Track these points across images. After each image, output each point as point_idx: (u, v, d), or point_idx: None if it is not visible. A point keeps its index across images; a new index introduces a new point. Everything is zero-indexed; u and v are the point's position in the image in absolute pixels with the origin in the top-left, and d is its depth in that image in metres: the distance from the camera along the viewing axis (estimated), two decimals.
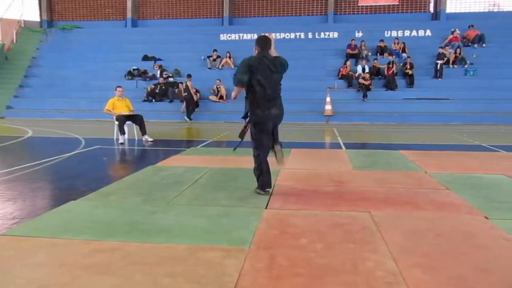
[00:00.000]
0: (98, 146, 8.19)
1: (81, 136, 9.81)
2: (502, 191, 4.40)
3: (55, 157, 6.71)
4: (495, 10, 20.25)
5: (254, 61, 3.96)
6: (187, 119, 14.94)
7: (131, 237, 2.97)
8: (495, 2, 20.29)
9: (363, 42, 17.90)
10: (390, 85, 15.53)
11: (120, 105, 9.13)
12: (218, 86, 16.12)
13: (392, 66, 15.79)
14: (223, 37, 20.35)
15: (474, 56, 16.92)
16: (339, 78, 16.62)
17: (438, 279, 2.32)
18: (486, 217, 3.47)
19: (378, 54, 17.64)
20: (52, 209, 3.70)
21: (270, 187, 4.28)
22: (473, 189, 4.42)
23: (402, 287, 2.23)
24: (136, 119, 9.13)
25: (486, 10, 20.23)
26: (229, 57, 18.07)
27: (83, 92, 17.53)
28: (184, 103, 15.27)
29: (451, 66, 16.57)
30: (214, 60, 18.19)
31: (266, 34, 4.23)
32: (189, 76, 15.44)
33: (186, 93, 15.09)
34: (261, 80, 3.94)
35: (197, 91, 15.84)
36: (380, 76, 16.22)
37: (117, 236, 3.00)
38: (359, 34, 19.11)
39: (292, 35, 19.78)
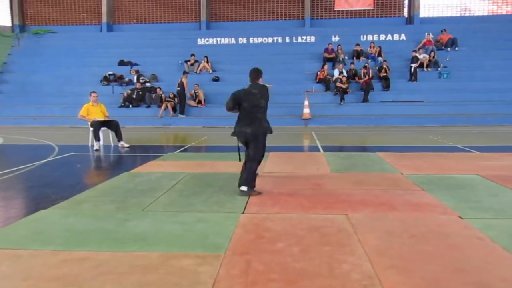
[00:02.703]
0: (72, 153, 7.97)
1: (55, 143, 9.54)
2: (475, 190, 4.48)
3: (26, 165, 6.49)
4: (467, 14, 20.79)
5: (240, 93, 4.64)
6: (181, 115, 15.39)
7: (103, 246, 2.87)
8: (466, 7, 20.86)
9: (339, 46, 18.09)
10: (364, 97, 15.55)
11: (94, 111, 8.93)
12: (196, 91, 15.97)
13: (367, 78, 15.86)
14: (200, 41, 20.22)
15: (447, 59, 17.30)
16: (317, 82, 16.73)
17: (412, 280, 2.32)
18: (460, 217, 3.51)
19: (354, 58, 17.86)
20: (21, 219, 3.56)
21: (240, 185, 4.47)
22: (448, 190, 4.49)
23: None
24: (111, 124, 8.94)
25: (458, 15, 20.77)
26: (207, 62, 17.97)
27: (57, 98, 17.07)
28: (175, 99, 15.63)
29: (425, 69, 16.92)
30: (192, 64, 18.05)
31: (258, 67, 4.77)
32: (185, 73, 16.13)
33: (179, 88, 15.34)
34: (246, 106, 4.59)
35: (175, 96, 15.68)
36: (356, 80, 16.39)
37: (88, 245, 2.89)
38: (335, 38, 19.32)
39: (270, 40, 19.83)
